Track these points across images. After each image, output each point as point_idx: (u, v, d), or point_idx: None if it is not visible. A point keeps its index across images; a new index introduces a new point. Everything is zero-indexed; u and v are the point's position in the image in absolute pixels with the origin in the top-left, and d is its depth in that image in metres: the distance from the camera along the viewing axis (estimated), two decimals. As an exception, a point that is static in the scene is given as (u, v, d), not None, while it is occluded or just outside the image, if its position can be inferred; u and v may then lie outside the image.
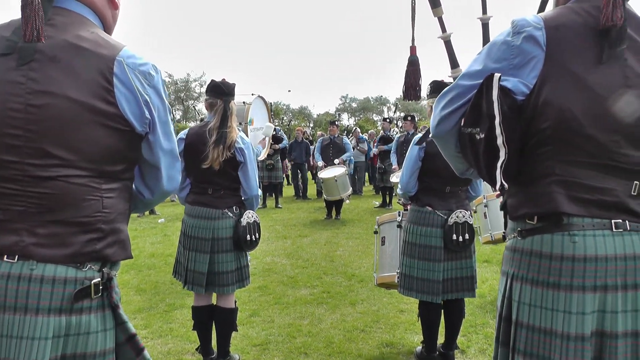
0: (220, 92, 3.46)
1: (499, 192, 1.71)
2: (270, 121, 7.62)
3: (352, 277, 5.94)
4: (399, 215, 3.71)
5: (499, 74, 1.51)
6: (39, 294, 1.40)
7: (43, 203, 1.42)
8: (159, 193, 1.72)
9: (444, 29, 2.08)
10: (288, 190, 15.99)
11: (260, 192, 3.63)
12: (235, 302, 3.64)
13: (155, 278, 6.00)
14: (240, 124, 6.59)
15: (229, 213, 3.48)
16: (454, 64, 2.07)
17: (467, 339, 3.99)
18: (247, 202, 3.54)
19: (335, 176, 9.78)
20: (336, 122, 11.74)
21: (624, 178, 1.53)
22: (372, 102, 66.86)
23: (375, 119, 60.04)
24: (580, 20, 1.53)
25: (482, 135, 1.51)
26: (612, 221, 1.51)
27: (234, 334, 4.12)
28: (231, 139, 3.37)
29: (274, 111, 56.42)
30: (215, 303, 3.61)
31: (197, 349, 3.67)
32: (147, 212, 11.36)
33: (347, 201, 12.68)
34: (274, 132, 12.28)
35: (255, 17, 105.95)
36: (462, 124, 1.59)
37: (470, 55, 1.66)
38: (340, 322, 4.49)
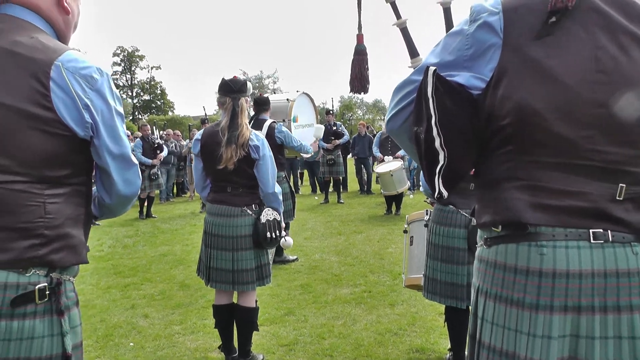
0: (228, 90, 3.41)
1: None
2: (317, 117, 7.54)
3: (398, 276, 5.74)
4: (427, 214, 3.51)
5: (434, 68, 1.33)
6: None
7: None
8: (116, 198, 1.68)
9: (398, 16, 1.89)
10: (354, 185, 15.85)
11: (279, 189, 3.54)
12: (256, 301, 3.58)
13: (203, 273, 6.08)
14: (283, 120, 6.58)
15: (248, 211, 3.43)
16: (412, 52, 1.88)
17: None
18: (265, 199, 3.49)
19: (390, 170, 9.55)
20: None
21: (605, 180, 1.29)
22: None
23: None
24: None
25: (423, 136, 1.35)
26: (590, 231, 1.28)
27: (263, 332, 4.11)
28: (244, 138, 3.32)
29: (347, 105, 56.46)
30: (236, 302, 3.57)
31: (219, 347, 3.66)
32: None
33: (411, 196, 12.40)
34: (335, 128, 12.21)
35: (326, 12, 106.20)
36: (411, 121, 1.43)
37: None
38: (374, 323, 4.34)
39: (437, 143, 1.33)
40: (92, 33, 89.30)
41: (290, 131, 6.44)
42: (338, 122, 12.99)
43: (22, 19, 1.51)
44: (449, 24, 1.85)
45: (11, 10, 1.51)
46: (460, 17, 1.46)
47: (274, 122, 6.15)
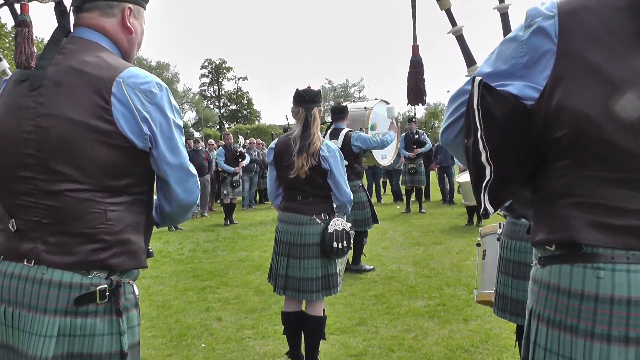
0: (302, 100, 3.47)
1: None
2: (397, 126, 7.45)
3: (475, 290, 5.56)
4: (500, 227, 3.37)
5: (480, 78, 1.27)
6: (47, 296, 1.51)
7: (53, 215, 1.54)
8: (176, 206, 1.76)
9: (453, 23, 1.82)
10: (438, 195, 15.54)
11: (351, 196, 3.54)
12: (324, 310, 3.59)
13: (279, 280, 6.18)
14: (360, 129, 6.56)
15: (317, 219, 3.46)
16: (469, 61, 1.80)
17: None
18: (341, 208, 3.51)
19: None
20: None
21: None
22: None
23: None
24: None
25: (471, 149, 1.29)
26: None
27: (333, 341, 4.12)
28: (314, 147, 3.35)
29: (433, 113, 55.56)
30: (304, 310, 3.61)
31: (287, 354, 3.70)
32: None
33: (494, 207, 11.94)
34: (417, 136, 12.05)
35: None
36: (463, 133, 1.38)
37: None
38: (446, 338, 4.22)
39: (483, 157, 1.27)
40: (182, 47, 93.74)
41: None
42: (420, 130, 12.79)
43: (90, 40, 1.63)
44: (506, 30, 1.77)
45: (82, 33, 1.65)
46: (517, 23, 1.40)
47: (350, 130, 6.17)
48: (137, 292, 1.70)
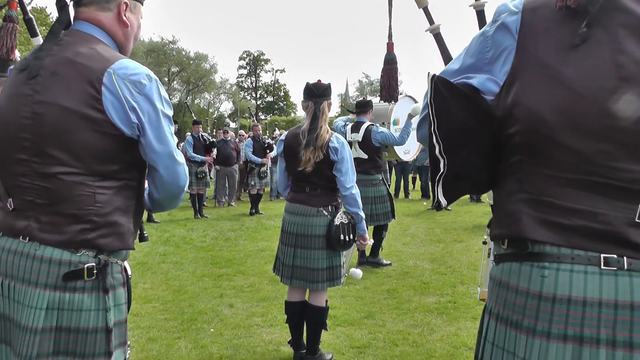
0: (311, 94, 3.52)
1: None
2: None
3: (479, 288, 5.55)
4: (504, 227, 3.37)
5: (433, 73, 1.31)
6: (39, 270, 1.63)
7: (45, 195, 1.65)
8: (164, 193, 1.84)
9: (431, 21, 1.84)
10: (467, 193, 15.35)
11: (356, 190, 3.57)
12: (327, 301, 3.66)
13: (295, 270, 6.28)
14: (383, 123, 6.58)
15: (324, 211, 3.52)
16: (447, 58, 1.83)
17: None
18: (344, 200, 3.55)
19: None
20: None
21: (623, 200, 1.17)
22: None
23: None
24: None
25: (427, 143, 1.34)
26: (602, 255, 1.17)
27: (339, 332, 4.20)
28: (323, 140, 3.41)
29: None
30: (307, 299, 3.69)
31: (289, 342, 3.79)
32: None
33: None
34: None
35: (450, 13, 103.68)
36: None
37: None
38: (451, 335, 4.24)
39: (436, 150, 1.31)
40: (221, 39, 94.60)
41: None
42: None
43: (86, 32, 1.73)
44: (482, 27, 1.79)
45: (79, 26, 1.75)
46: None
47: (371, 124, 6.19)
48: (129, 272, 1.80)
